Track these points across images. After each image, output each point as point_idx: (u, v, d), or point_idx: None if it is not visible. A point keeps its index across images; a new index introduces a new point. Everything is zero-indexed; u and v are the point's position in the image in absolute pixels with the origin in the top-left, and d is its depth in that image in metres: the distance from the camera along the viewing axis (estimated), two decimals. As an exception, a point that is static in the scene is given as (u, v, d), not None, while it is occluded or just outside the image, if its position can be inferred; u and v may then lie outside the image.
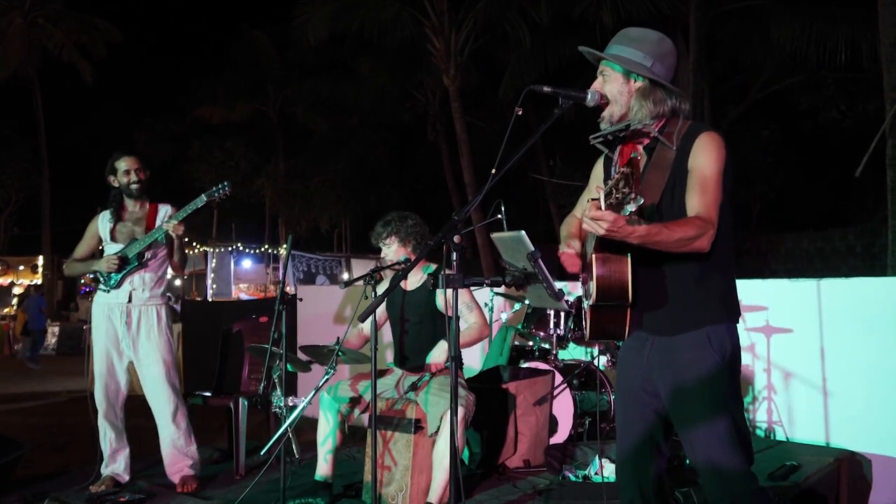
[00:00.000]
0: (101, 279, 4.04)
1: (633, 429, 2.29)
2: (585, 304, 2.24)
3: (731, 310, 2.23)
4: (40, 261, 21.73)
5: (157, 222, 4.08)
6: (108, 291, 4.01)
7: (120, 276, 3.99)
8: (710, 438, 2.12)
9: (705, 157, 2.12)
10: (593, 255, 2.07)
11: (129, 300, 4.00)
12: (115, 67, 24.96)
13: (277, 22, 19.66)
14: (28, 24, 20.87)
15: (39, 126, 21.77)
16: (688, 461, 2.25)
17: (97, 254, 4.21)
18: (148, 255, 4.04)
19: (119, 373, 4.02)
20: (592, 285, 2.08)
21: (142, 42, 36.94)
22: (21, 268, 21.77)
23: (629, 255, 2.04)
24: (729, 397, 2.15)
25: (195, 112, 22.21)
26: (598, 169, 2.46)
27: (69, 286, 26.33)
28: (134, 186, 4.09)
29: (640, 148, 2.24)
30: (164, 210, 4.15)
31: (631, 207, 1.77)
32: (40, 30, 21.14)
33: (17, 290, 20.89)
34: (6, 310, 19.53)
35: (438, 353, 3.60)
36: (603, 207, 1.83)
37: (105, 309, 4.02)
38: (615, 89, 2.23)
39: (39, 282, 20.29)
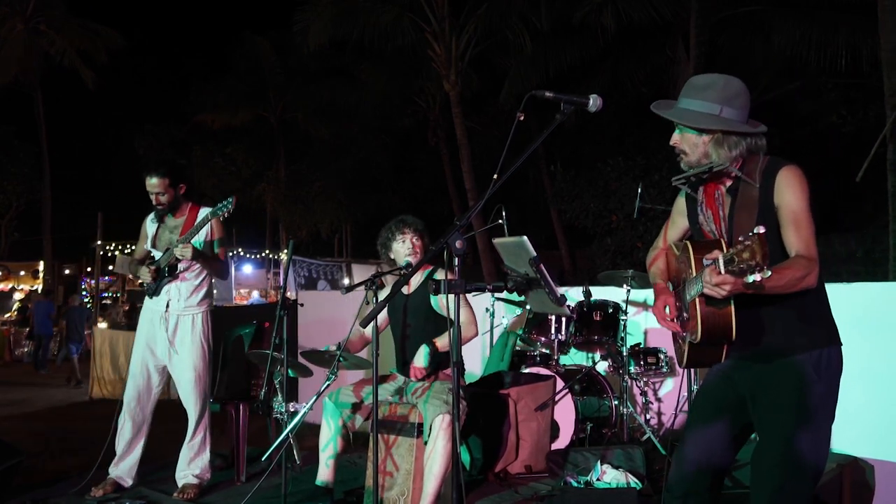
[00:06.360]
0: (145, 285, 4.13)
1: (706, 424, 2.31)
2: (683, 342, 2.27)
3: (831, 333, 2.25)
4: (41, 266, 21.72)
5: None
6: (151, 297, 4.10)
7: (157, 284, 4.05)
8: (786, 448, 2.13)
9: (791, 192, 2.15)
10: (697, 298, 2.10)
11: (167, 308, 4.03)
12: (117, 73, 25.05)
13: (279, 28, 19.69)
14: (30, 30, 20.95)
15: (41, 131, 21.85)
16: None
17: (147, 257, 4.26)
18: (182, 265, 4.02)
19: (152, 375, 4.06)
20: (696, 327, 2.11)
21: (143, 48, 37.07)
22: (21, 273, 21.75)
23: (732, 300, 2.06)
24: (817, 413, 2.15)
25: (196, 118, 22.23)
26: (681, 203, 2.50)
27: (69, 292, 26.27)
28: (158, 208, 4.09)
29: (724, 189, 2.28)
30: (203, 214, 4.02)
31: (755, 277, 1.79)
32: (42, 36, 21.22)
33: (18, 296, 20.85)
34: (6, 315, 19.50)
35: (417, 358, 3.60)
36: (723, 272, 1.87)
37: (149, 313, 4.10)
38: (690, 142, 2.28)
39: (40, 287, 20.27)
